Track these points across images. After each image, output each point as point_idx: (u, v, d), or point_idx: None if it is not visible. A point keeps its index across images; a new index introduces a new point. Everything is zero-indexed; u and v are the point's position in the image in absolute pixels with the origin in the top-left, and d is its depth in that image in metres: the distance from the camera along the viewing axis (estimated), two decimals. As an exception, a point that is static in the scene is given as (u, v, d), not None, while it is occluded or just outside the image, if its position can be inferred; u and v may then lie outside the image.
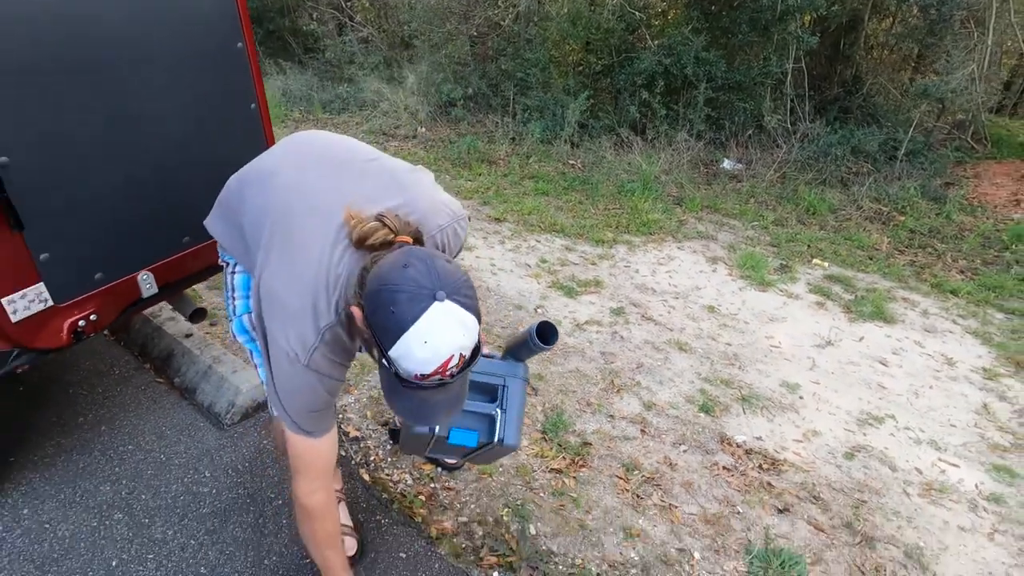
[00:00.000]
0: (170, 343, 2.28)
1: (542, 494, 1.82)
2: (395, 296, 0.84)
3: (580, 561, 1.62)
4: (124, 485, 1.74)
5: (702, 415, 2.23)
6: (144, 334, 2.37)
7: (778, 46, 5.12)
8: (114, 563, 1.52)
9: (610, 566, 1.62)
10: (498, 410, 1.13)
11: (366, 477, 1.83)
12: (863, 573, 1.68)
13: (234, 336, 1.33)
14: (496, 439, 1.13)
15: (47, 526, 1.60)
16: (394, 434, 1.98)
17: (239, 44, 1.69)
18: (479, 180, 4.55)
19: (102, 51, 1.39)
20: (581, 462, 1.95)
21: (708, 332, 2.80)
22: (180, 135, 1.61)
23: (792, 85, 5.23)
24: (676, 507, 1.82)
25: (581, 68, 6.10)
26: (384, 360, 0.88)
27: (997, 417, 2.39)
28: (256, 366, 1.37)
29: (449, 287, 0.85)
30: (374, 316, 0.87)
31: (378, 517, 1.69)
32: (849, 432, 2.23)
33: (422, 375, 0.86)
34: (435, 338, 0.83)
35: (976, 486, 2.03)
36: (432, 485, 1.82)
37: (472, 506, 1.76)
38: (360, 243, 0.97)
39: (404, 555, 1.59)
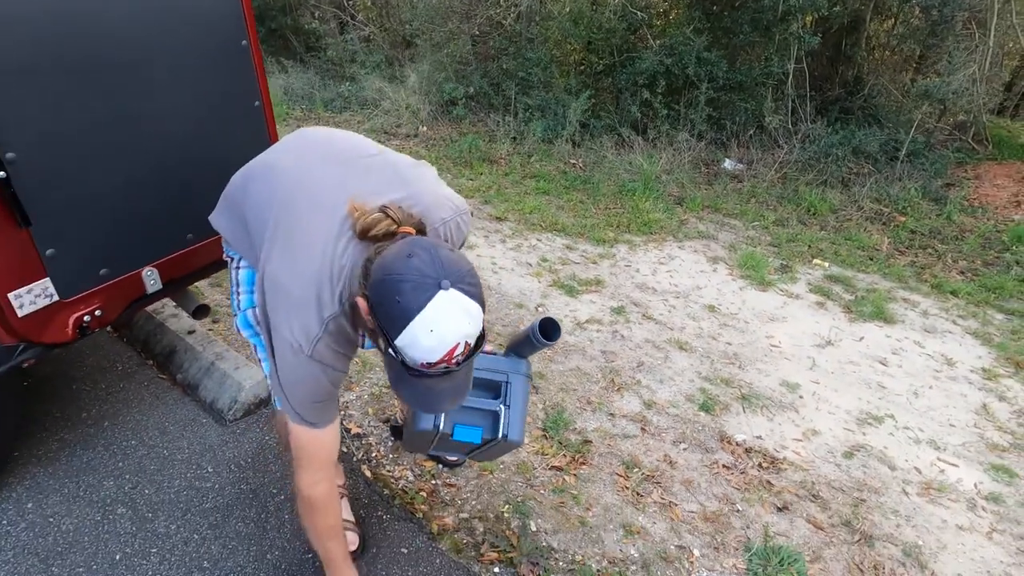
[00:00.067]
0: (173, 340, 2.29)
1: (543, 491, 1.83)
2: (400, 286, 0.84)
3: (580, 557, 1.63)
4: (127, 480, 1.75)
5: (702, 414, 2.24)
6: (147, 331, 2.38)
7: (780, 46, 5.13)
8: (118, 556, 1.53)
9: (610, 562, 1.63)
10: (502, 406, 1.14)
11: (368, 473, 1.84)
12: (862, 571, 1.68)
13: (238, 330, 1.34)
14: (500, 435, 1.14)
15: (51, 520, 1.61)
16: (396, 431, 1.99)
17: (243, 42, 1.70)
18: (480, 179, 4.56)
19: (108, 49, 1.40)
20: (581, 460, 1.96)
21: (708, 331, 2.81)
22: (185, 132, 1.62)
23: (793, 85, 5.24)
24: (676, 505, 1.83)
25: (583, 68, 6.11)
26: (390, 349, 0.89)
27: (996, 417, 2.40)
28: (260, 360, 1.38)
29: (454, 276, 0.86)
30: (379, 306, 0.87)
31: (379, 513, 1.70)
32: (848, 431, 2.24)
33: (428, 363, 0.87)
34: (441, 326, 0.84)
35: (975, 486, 2.04)
36: (433, 482, 1.83)
37: (473, 502, 1.77)
38: (364, 234, 0.98)
39: (405, 550, 1.60)
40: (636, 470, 1.94)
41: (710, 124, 5.33)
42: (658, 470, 1.95)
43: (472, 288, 0.88)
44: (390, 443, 1.97)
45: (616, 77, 5.60)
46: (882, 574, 1.68)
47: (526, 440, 2.01)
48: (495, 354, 1.23)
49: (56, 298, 1.42)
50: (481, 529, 1.69)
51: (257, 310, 1.13)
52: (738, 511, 1.83)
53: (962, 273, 3.66)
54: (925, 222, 4.26)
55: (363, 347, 1.58)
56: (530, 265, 3.30)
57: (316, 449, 1.14)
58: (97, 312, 1.52)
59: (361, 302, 0.92)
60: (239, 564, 1.53)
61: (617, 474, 1.92)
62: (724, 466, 2.00)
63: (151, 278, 1.64)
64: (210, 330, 2.40)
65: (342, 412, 2.08)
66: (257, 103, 1.79)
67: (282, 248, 1.05)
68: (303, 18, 8.33)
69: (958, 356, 2.80)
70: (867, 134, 4.98)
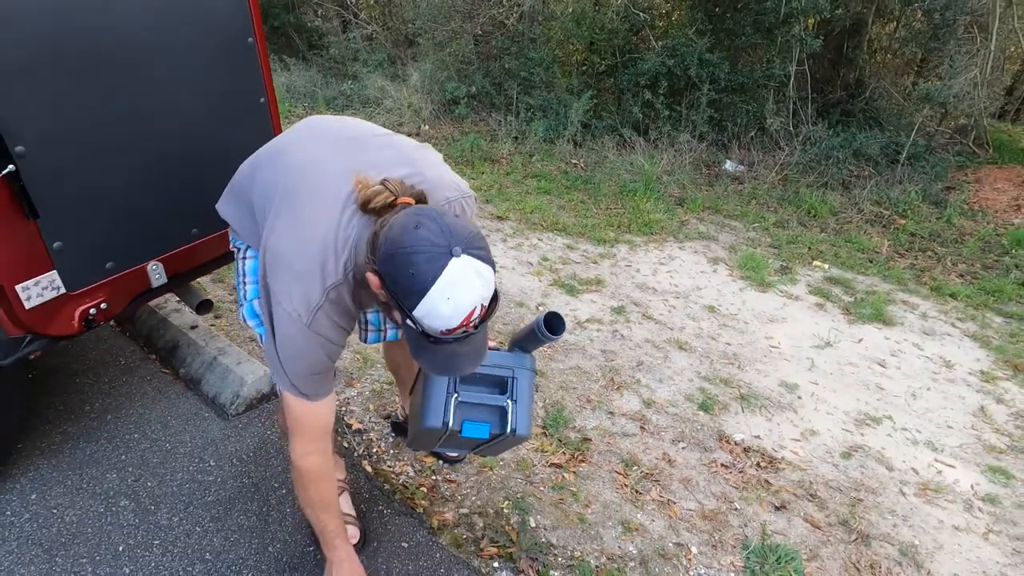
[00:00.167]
0: (176, 334, 2.31)
1: (542, 488, 1.84)
2: (412, 258, 0.85)
3: (579, 553, 1.65)
4: (130, 473, 1.76)
5: (701, 413, 2.26)
6: (150, 325, 2.40)
7: (781, 49, 5.14)
8: (120, 548, 1.54)
9: (608, 559, 1.64)
10: (509, 401, 1.15)
11: (369, 468, 1.85)
12: (858, 570, 1.70)
13: (244, 320, 1.35)
14: (509, 430, 1.14)
15: (55, 512, 1.62)
16: (397, 427, 2.01)
17: (250, 39, 1.71)
18: (482, 178, 4.57)
19: (116, 46, 1.41)
20: (581, 457, 1.97)
21: (708, 332, 2.82)
22: (191, 128, 1.63)
23: (795, 88, 5.25)
24: (674, 503, 1.85)
25: (585, 68, 6.12)
26: (408, 320, 0.90)
27: (994, 419, 2.42)
28: (260, 337, 1.39)
29: (463, 241, 0.87)
30: (394, 281, 0.88)
31: (380, 507, 1.71)
32: (847, 432, 2.25)
33: (447, 330, 0.88)
34: (457, 293, 0.85)
35: (972, 487, 2.05)
36: (434, 477, 1.85)
37: (473, 498, 1.78)
38: (364, 206, 0.98)
39: (406, 544, 1.61)
40: (635, 468, 1.95)
41: (711, 125, 5.34)
42: (657, 468, 1.97)
43: (482, 251, 0.89)
44: (391, 439, 1.99)
45: (618, 78, 5.61)
46: (878, 573, 1.69)
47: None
48: (498, 349, 1.24)
49: (63, 291, 1.43)
50: (481, 524, 1.70)
51: (259, 283, 1.14)
52: (736, 509, 1.85)
53: (961, 276, 3.68)
54: (925, 225, 4.27)
55: (364, 316, 1.60)
56: (531, 264, 3.31)
57: (309, 421, 1.14)
58: (103, 305, 1.53)
59: (372, 277, 0.92)
60: (241, 557, 1.54)
61: (616, 472, 1.93)
62: (722, 465, 2.01)
63: (156, 272, 1.66)
64: (212, 325, 2.41)
65: (343, 408, 2.09)
66: (263, 99, 1.80)
67: (286, 219, 1.05)
68: (306, 16, 8.34)
69: (956, 358, 2.81)
70: (868, 137, 4.99)
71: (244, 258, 1.32)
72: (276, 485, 1.76)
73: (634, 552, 1.67)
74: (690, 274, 3.40)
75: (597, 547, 1.67)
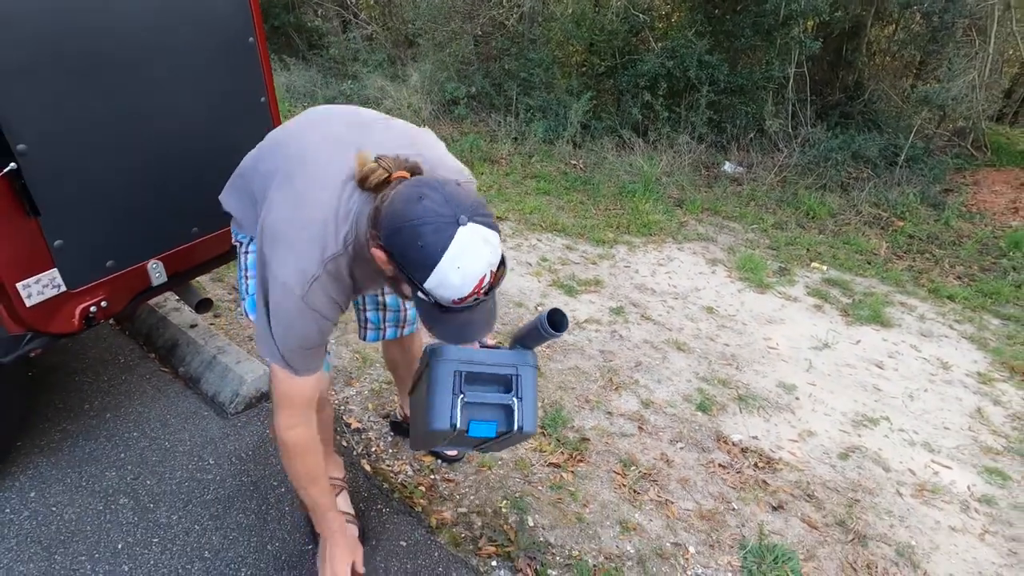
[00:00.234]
0: (175, 333, 2.31)
1: (540, 487, 1.85)
2: (419, 230, 0.85)
3: (577, 553, 1.65)
4: (129, 471, 1.77)
5: (699, 414, 2.26)
6: (149, 324, 2.40)
7: (781, 50, 5.15)
8: (120, 546, 1.54)
9: (606, 558, 1.65)
10: (515, 399, 1.16)
11: (367, 467, 1.86)
12: (855, 570, 1.70)
13: (246, 314, 1.35)
14: (516, 427, 1.15)
15: (54, 509, 1.62)
16: (396, 426, 2.01)
17: (250, 39, 1.72)
18: (481, 179, 4.57)
19: (118, 45, 1.41)
20: (579, 457, 1.98)
21: (706, 332, 2.83)
22: (192, 127, 1.64)
23: (794, 89, 5.27)
24: (672, 502, 1.85)
25: (584, 69, 6.13)
26: (420, 293, 0.90)
27: (990, 421, 2.43)
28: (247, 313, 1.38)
29: (468, 209, 0.87)
30: (403, 255, 0.88)
31: (379, 506, 1.72)
32: (844, 433, 2.26)
33: (460, 299, 0.89)
34: (467, 262, 0.86)
35: (968, 488, 2.06)
36: (432, 476, 1.85)
37: (471, 497, 1.79)
38: (363, 183, 0.99)
39: (404, 543, 1.62)
40: (633, 468, 1.96)
41: (710, 127, 5.35)
42: (655, 468, 1.97)
43: (487, 217, 0.89)
44: (390, 438, 1.99)
45: (617, 79, 5.62)
46: (875, 573, 1.70)
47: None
48: (499, 347, 1.24)
49: (63, 289, 1.43)
50: (479, 523, 1.71)
51: (255, 257, 1.12)
52: (733, 510, 1.85)
53: (959, 278, 3.69)
54: (923, 227, 4.29)
55: (364, 315, 1.60)
56: (530, 265, 3.32)
57: (294, 394, 1.13)
58: (103, 303, 1.53)
59: (379, 253, 0.92)
60: (240, 555, 1.55)
61: (614, 472, 1.94)
62: (720, 465, 2.02)
63: (156, 271, 1.66)
64: (212, 324, 2.42)
65: (341, 408, 2.09)
66: (263, 99, 1.81)
67: (286, 192, 1.05)
68: (306, 16, 8.34)
69: (954, 360, 2.82)
70: (867, 139, 5.01)
71: (246, 252, 1.32)
72: (275, 484, 1.76)
73: (632, 552, 1.68)
74: (689, 275, 3.41)
75: (595, 546, 1.68)
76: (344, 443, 1.94)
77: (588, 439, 2.06)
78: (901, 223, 4.34)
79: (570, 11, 5.98)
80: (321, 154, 1.07)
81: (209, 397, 2.07)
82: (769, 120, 5.18)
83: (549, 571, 1.59)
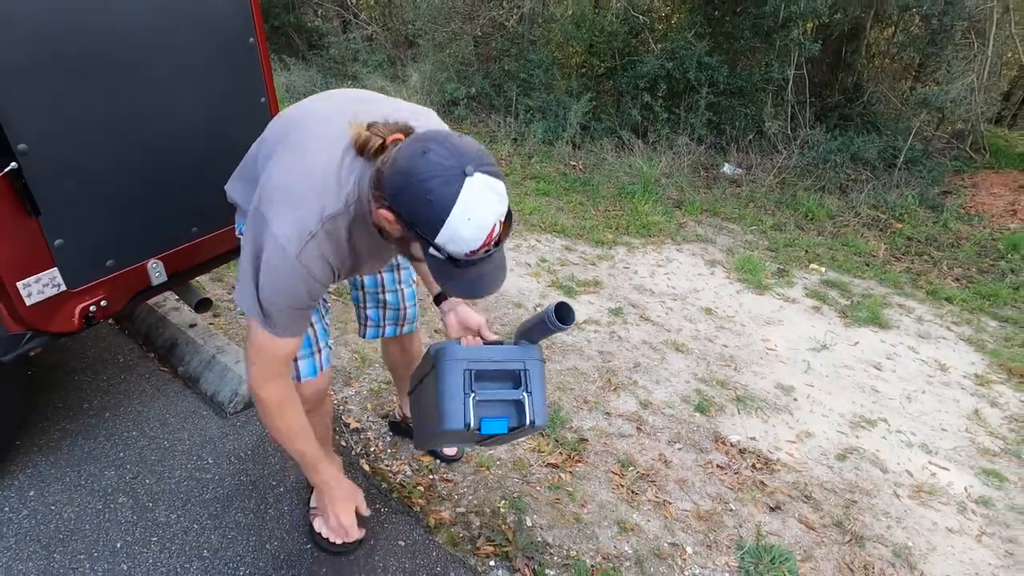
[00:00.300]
0: (174, 333, 2.31)
1: (539, 487, 1.85)
2: (427, 185, 0.84)
3: (575, 553, 1.66)
4: (128, 470, 1.77)
5: (697, 415, 2.27)
6: (148, 324, 2.40)
7: (780, 52, 5.17)
8: (118, 545, 1.55)
9: (604, 558, 1.65)
10: (525, 394, 1.16)
11: (366, 467, 1.86)
12: (852, 571, 1.71)
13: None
14: (528, 421, 1.15)
15: (53, 508, 1.63)
16: (394, 426, 2.01)
17: (251, 39, 1.72)
18: (481, 179, 4.58)
19: (118, 45, 1.42)
20: (577, 457, 1.98)
21: (705, 334, 2.84)
22: (192, 127, 1.64)
23: (793, 91, 5.28)
24: (670, 503, 1.86)
25: (584, 70, 6.14)
26: (431, 249, 0.89)
27: (988, 422, 2.43)
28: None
29: (473, 160, 0.86)
30: (412, 212, 0.87)
31: (377, 506, 1.72)
32: (842, 434, 2.27)
33: (472, 252, 0.88)
34: (477, 213, 0.85)
35: (965, 489, 2.07)
36: (430, 476, 1.86)
37: (470, 497, 1.79)
38: (361, 150, 0.98)
39: (403, 543, 1.62)
40: (631, 469, 1.96)
41: (710, 128, 5.36)
42: (653, 469, 1.98)
43: (492, 167, 0.88)
44: (388, 438, 1.99)
45: (617, 80, 5.63)
46: (872, 574, 1.71)
47: (522, 438, 2.03)
48: (501, 343, 1.24)
49: (63, 288, 1.44)
50: (477, 523, 1.71)
51: (248, 215, 1.09)
52: (731, 510, 1.86)
53: (957, 280, 3.70)
54: (921, 229, 4.30)
55: (364, 312, 1.58)
56: (529, 265, 3.32)
57: (271, 354, 1.12)
58: (103, 303, 1.54)
59: (385, 213, 0.91)
60: (238, 554, 1.55)
61: (612, 472, 1.94)
62: (718, 466, 2.03)
63: (156, 270, 1.66)
64: (211, 324, 2.42)
65: (340, 407, 2.10)
66: (263, 99, 1.81)
67: (286, 158, 1.04)
68: (306, 16, 8.35)
69: (951, 362, 2.83)
70: (865, 141, 5.02)
71: None
72: (274, 483, 1.77)
73: (629, 552, 1.68)
74: (687, 276, 3.42)
75: (593, 547, 1.68)
76: (343, 443, 1.94)
77: (586, 440, 2.07)
78: (900, 225, 4.35)
79: (570, 12, 5.99)
80: (321, 124, 1.07)
81: (208, 396, 2.08)
82: (768, 122, 5.19)
83: (547, 571, 1.59)
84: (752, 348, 2.76)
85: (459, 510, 1.75)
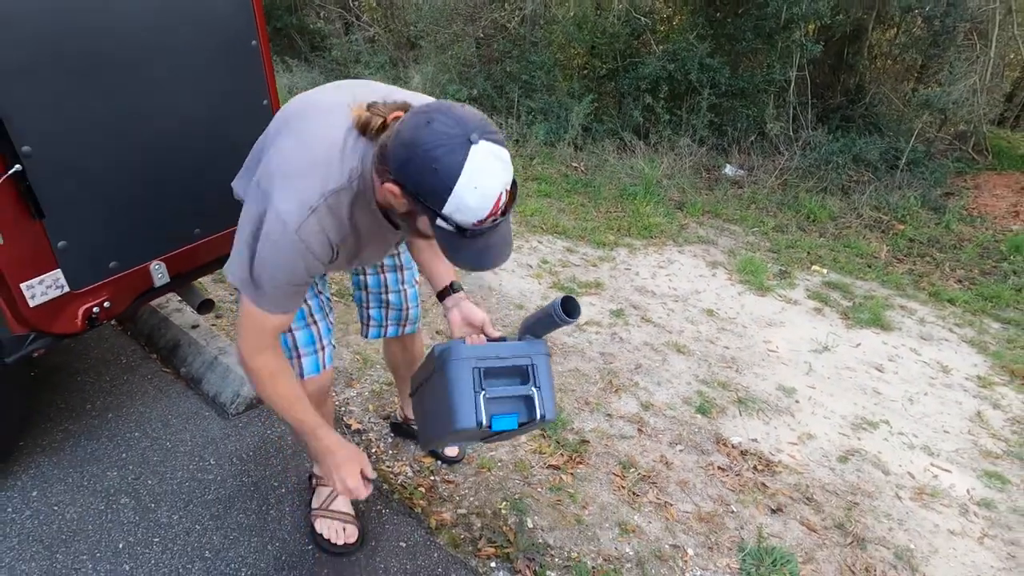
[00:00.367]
0: (177, 334, 2.32)
1: (540, 489, 1.85)
2: (432, 154, 0.84)
3: (576, 554, 1.66)
4: (131, 471, 1.78)
5: (699, 416, 2.27)
6: (151, 324, 2.41)
7: (782, 54, 5.16)
8: (121, 545, 1.55)
9: (605, 560, 1.65)
10: (534, 389, 1.17)
11: (368, 468, 1.86)
12: (853, 573, 1.71)
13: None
14: (538, 416, 1.16)
15: (56, 508, 1.63)
16: (396, 428, 2.02)
17: (253, 42, 1.73)
18: (483, 180, 4.58)
19: (122, 47, 1.43)
20: (578, 459, 1.98)
21: (706, 335, 2.83)
22: (194, 129, 1.65)
23: (795, 93, 5.28)
24: (671, 505, 1.86)
25: (586, 72, 6.15)
26: (439, 221, 0.89)
27: (990, 424, 2.43)
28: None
29: (477, 128, 0.86)
30: (417, 183, 0.87)
31: (379, 507, 1.72)
32: (843, 436, 2.26)
33: (479, 221, 0.88)
34: (483, 181, 0.85)
35: (967, 491, 2.06)
36: (432, 478, 1.86)
37: (471, 499, 1.79)
38: (363, 130, 0.99)
39: (404, 544, 1.62)
40: (632, 470, 1.96)
41: (712, 130, 5.36)
42: (654, 471, 1.98)
43: (496, 135, 0.88)
44: (390, 439, 2.00)
45: (619, 81, 5.63)
46: (873, 576, 1.71)
47: (523, 439, 2.03)
48: (505, 339, 1.24)
49: (67, 289, 1.44)
50: (479, 525, 1.71)
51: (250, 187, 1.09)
52: (732, 512, 1.86)
53: (959, 282, 3.69)
54: (924, 231, 4.29)
55: (367, 312, 1.57)
56: (530, 267, 3.32)
57: (260, 327, 1.11)
58: (106, 304, 1.54)
59: (390, 187, 0.91)
60: (240, 555, 1.55)
61: (613, 474, 1.94)
62: (719, 468, 2.02)
63: (159, 272, 1.67)
64: (213, 325, 2.43)
65: (342, 409, 2.10)
66: (265, 102, 1.82)
67: (288, 138, 1.04)
68: (308, 18, 8.37)
69: (954, 364, 2.82)
70: (867, 142, 5.01)
71: None
72: (275, 484, 1.77)
73: (631, 554, 1.68)
74: (689, 278, 3.42)
75: (594, 548, 1.68)
76: (344, 444, 1.95)
77: (588, 441, 2.07)
78: (902, 226, 4.34)
79: (572, 14, 6.00)
80: (322, 111, 1.07)
81: (210, 398, 2.08)
82: (770, 123, 5.19)
83: (548, 572, 1.59)
84: (754, 350, 2.76)
85: (460, 511, 1.75)
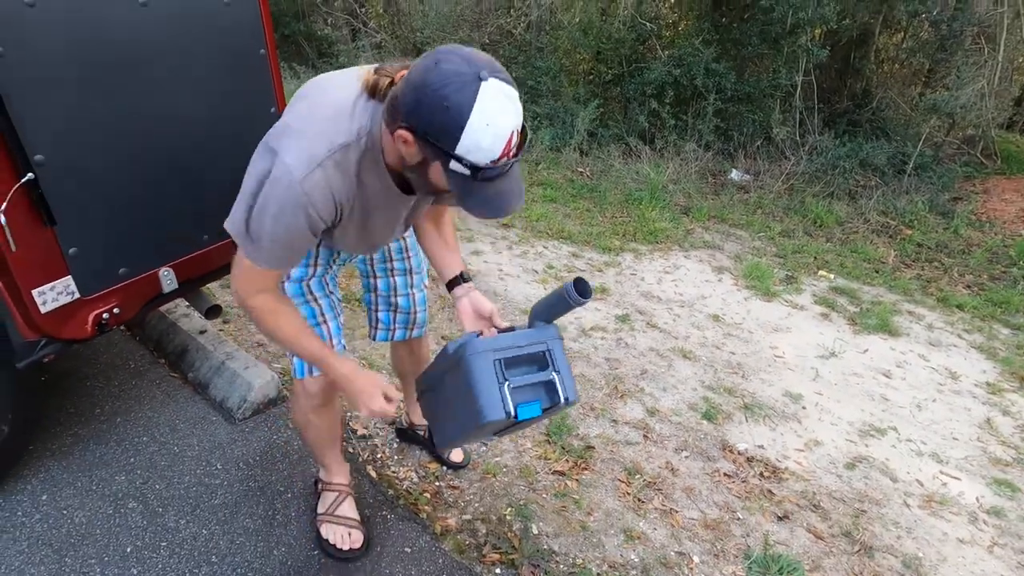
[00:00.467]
0: (185, 339, 2.34)
1: (545, 495, 1.85)
2: (443, 92, 0.84)
3: (581, 561, 1.65)
4: (139, 475, 1.79)
5: (704, 422, 2.26)
6: (159, 330, 2.43)
7: (788, 59, 5.16)
8: (128, 549, 1.56)
9: (610, 567, 1.65)
10: (555, 373, 1.17)
11: (373, 474, 1.87)
12: (861, 581, 1.70)
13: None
14: (562, 399, 1.16)
15: (65, 512, 1.65)
16: (401, 433, 2.02)
17: (262, 51, 1.75)
18: (489, 186, 4.60)
19: (132, 58, 1.45)
20: (584, 465, 1.98)
21: (712, 341, 2.83)
22: (204, 137, 1.67)
23: (801, 97, 5.27)
24: (677, 511, 1.85)
25: (591, 77, 6.16)
26: (452, 164, 0.88)
27: (1000, 431, 2.41)
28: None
29: (486, 66, 0.86)
30: (429, 124, 0.86)
31: (384, 512, 1.73)
32: (851, 443, 2.25)
33: (493, 161, 0.88)
34: (494, 118, 0.84)
35: (977, 499, 2.05)
36: (437, 483, 1.86)
37: (476, 504, 1.80)
38: (372, 92, 0.99)
39: (409, 550, 1.62)
40: (638, 476, 1.96)
41: (717, 135, 5.36)
42: (660, 477, 1.97)
43: (505, 75, 0.88)
44: (395, 444, 2.00)
45: (624, 87, 5.65)
46: (881, 585, 1.69)
47: (528, 444, 2.04)
48: (514, 329, 1.24)
49: (77, 295, 1.46)
50: (484, 531, 1.71)
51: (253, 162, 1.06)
52: (738, 519, 1.85)
53: (968, 287, 3.67)
54: (932, 235, 4.27)
55: (375, 314, 1.57)
56: (536, 272, 3.33)
57: (254, 276, 1.11)
58: (115, 310, 1.56)
59: (402, 134, 0.90)
60: (246, 559, 1.56)
61: (619, 480, 1.94)
62: (725, 474, 2.02)
63: (167, 278, 1.69)
64: (221, 330, 2.44)
65: (348, 413, 2.11)
66: (273, 109, 1.84)
67: (297, 105, 1.05)
68: (316, 24, 8.45)
69: (963, 370, 2.80)
70: (875, 147, 5.00)
71: None
72: (282, 489, 1.78)
73: (636, 561, 1.68)
74: (695, 283, 3.41)
75: (599, 555, 1.68)
76: (350, 449, 1.95)
77: (593, 447, 2.07)
78: (909, 231, 4.32)
79: (577, 20, 6.02)
80: (335, 80, 1.08)
81: (217, 402, 2.10)
82: (776, 128, 5.18)
83: (553, 579, 1.59)
84: (760, 355, 2.75)
85: (465, 517, 1.75)
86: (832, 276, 3.63)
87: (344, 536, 1.58)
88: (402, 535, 1.66)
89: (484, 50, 0.96)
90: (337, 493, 1.62)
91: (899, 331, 3.07)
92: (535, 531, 1.72)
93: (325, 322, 1.37)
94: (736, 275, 3.54)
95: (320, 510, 1.63)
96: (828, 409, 2.42)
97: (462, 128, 0.84)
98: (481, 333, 1.24)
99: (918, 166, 4.94)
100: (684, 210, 4.50)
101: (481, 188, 0.92)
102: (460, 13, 6.31)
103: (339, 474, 1.64)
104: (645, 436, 2.15)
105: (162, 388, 2.16)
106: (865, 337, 3.00)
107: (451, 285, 1.37)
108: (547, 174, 4.94)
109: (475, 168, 0.88)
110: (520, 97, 0.91)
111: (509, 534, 1.70)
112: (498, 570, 1.60)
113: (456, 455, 1.91)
